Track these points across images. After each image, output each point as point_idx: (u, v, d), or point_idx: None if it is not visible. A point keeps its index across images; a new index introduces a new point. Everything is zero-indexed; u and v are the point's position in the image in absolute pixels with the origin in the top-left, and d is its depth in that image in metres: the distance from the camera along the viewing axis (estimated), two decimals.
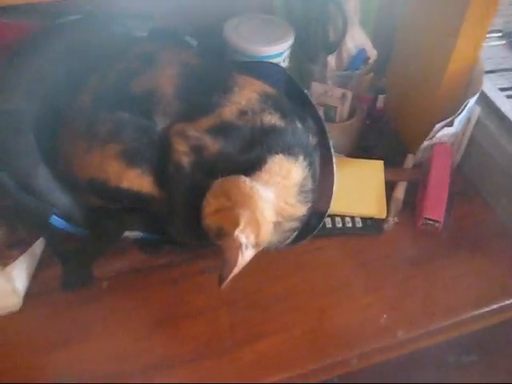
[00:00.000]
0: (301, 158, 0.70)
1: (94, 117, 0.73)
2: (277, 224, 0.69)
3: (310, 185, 0.72)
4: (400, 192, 0.94)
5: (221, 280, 0.65)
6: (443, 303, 0.82)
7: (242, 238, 0.64)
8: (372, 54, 0.93)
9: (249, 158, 0.69)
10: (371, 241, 0.89)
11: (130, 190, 0.72)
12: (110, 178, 0.71)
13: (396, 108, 1.03)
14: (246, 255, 0.65)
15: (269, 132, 0.70)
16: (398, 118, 1.03)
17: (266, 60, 0.87)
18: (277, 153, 0.69)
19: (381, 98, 1.04)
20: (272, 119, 0.71)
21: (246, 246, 0.65)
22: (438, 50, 0.88)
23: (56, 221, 0.71)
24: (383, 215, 0.90)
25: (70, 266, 0.74)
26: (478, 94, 0.87)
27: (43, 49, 0.78)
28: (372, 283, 0.84)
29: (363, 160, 0.96)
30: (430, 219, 0.88)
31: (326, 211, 0.81)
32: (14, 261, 0.76)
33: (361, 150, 1.02)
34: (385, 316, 0.80)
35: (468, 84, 0.91)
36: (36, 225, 0.73)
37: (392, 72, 1.04)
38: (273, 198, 0.68)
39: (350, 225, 0.89)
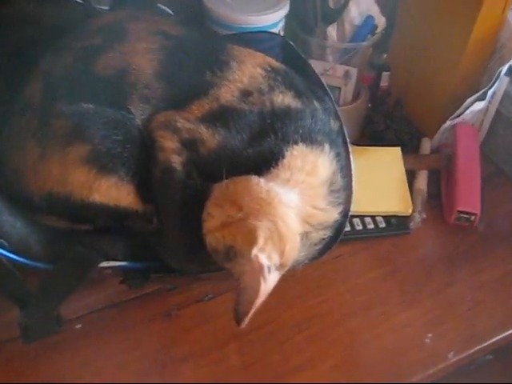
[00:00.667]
0: (326, 147, 0.55)
1: (47, 111, 0.55)
2: (304, 235, 0.52)
3: (340, 181, 0.56)
4: (422, 182, 0.80)
5: (239, 316, 0.49)
6: (493, 311, 0.68)
7: (263, 259, 0.48)
8: (380, 21, 0.78)
9: (260, 151, 0.53)
10: (397, 242, 0.75)
11: (103, 205, 0.54)
12: (74, 190, 0.54)
13: (403, 86, 0.89)
14: (270, 280, 0.49)
15: (283, 116, 0.54)
16: (408, 98, 0.89)
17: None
18: (296, 142, 0.53)
19: (385, 75, 0.90)
20: (285, 99, 0.55)
21: (269, 268, 0.49)
22: (459, 12, 0.74)
23: (6, 255, 0.53)
24: (409, 211, 0.75)
25: (31, 311, 0.55)
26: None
27: None
28: (407, 295, 0.69)
29: (376, 148, 0.81)
30: (464, 212, 0.74)
31: (349, 210, 0.66)
32: None
33: (367, 136, 0.88)
34: (429, 335, 0.65)
35: (494, 51, 0.77)
36: None
37: (396, 45, 0.89)
38: (297, 202, 0.52)
39: (371, 226, 0.74)
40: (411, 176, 0.80)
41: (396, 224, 0.75)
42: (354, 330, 0.66)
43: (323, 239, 0.55)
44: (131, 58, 0.56)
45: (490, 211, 0.78)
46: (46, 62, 0.59)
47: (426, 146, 0.85)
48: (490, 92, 0.74)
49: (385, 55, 0.92)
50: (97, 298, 0.66)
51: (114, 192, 0.54)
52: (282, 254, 0.50)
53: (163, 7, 0.66)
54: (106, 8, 0.68)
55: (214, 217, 0.51)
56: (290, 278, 0.67)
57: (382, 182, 0.77)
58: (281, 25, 0.74)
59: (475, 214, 0.74)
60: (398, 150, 0.80)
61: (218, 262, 0.52)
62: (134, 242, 0.57)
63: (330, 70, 0.79)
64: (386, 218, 0.75)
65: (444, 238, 0.76)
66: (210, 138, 0.53)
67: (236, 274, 0.51)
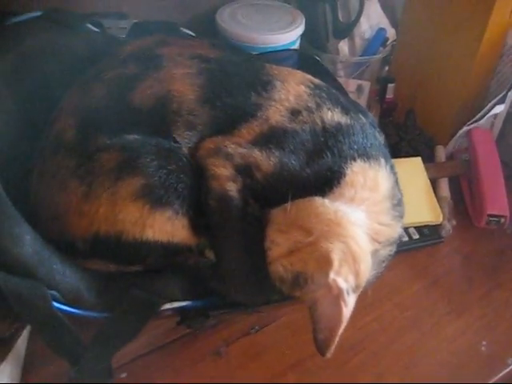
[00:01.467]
0: (382, 160, 0.53)
1: (86, 147, 0.51)
2: (373, 253, 0.51)
3: (398, 194, 0.55)
4: (446, 190, 0.80)
5: (322, 346, 0.46)
6: None
7: (341, 282, 0.46)
8: (390, 33, 0.78)
9: (319, 170, 0.51)
10: (432, 252, 0.74)
11: (156, 243, 0.51)
12: (125, 229, 0.50)
13: (410, 96, 0.89)
14: (350, 304, 0.47)
15: (335, 133, 0.52)
16: (416, 107, 0.89)
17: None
18: (354, 159, 0.51)
19: (390, 87, 0.89)
20: (334, 116, 0.54)
21: (347, 291, 0.46)
22: (468, 18, 0.75)
23: (60, 307, 0.48)
24: (439, 219, 0.75)
25: (85, 365, 0.51)
26: None
27: None
28: (453, 304, 0.68)
29: (397, 160, 0.78)
30: (493, 215, 0.74)
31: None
32: None
33: None
34: (484, 342, 0.64)
35: (502, 54, 0.79)
36: (29, 317, 0.49)
37: (400, 56, 0.89)
38: (364, 219, 0.50)
39: (405, 238, 0.73)
40: (432, 184, 0.80)
41: (429, 234, 0.74)
42: (409, 347, 0.63)
43: (390, 255, 0.53)
44: (170, 84, 0.53)
45: None
46: (74, 96, 0.55)
47: (441, 153, 0.85)
48: (509, 94, 0.75)
49: (386, 67, 0.92)
50: (139, 342, 0.62)
51: (169, 227, 0.50)
52: (357, 274, 0.48)
53: (186, 31, 0.64)
54: (123, 36, 0.65)
55: (279, 244, 0.49)
56: None
57: (409, 193, 0.75)
58: (297, 43, 0.72)
59: (505, 217, 0.74)
60: (419, 160, 0.80)
61: (283, 291, 0.50)
62: (189, 280, 0.53)
63: (343, 84, 0.78)
64: (418, 228, 0.74)
65: (476, 242, 0.76)
66: (265, 161, 0.51)
67: (308, 301, 0.48)
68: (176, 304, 0.52)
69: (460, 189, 0.82)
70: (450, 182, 0.82)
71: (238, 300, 0.53)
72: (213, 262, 0.54)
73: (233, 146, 0.52)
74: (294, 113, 0.53)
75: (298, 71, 0.58)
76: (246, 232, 0.51)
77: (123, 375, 0.59)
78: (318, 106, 0.54)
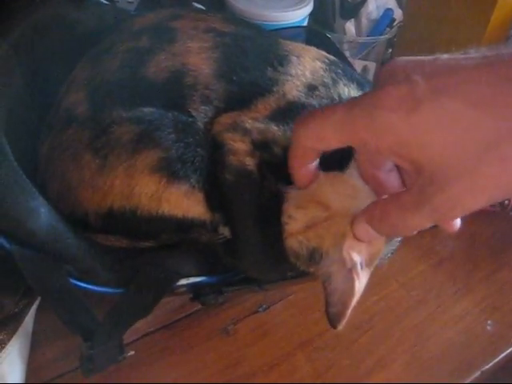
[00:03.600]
0: None
1: (101, 119, 0.50)
2: None
3: None
4: None
5: (335, 319, 0.46)
6: None
7: (355, 256, 0.46)
8: (397, 14, 0.78)
9: None
10: (437, 233, 0.74)
11: (171, 218, 0.50)
12: (141, 203, 0.49)
13: None
14: (363, 277, 0.47)
15: None
16: None
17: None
18: None
19: None
20: (351, 92, 0.53)
21: (361, 264, 0.46)
22: (476, 3, 0.75)
23: (76, 283, 0.48)
24: None
25: (98, 341, 0.50)
26: None
27: None
28: (459, 284, 0.69)
29: None
30: None
31: None
32: (3, 348, 0.51)
33: None
34: (489, 322, 0.65)
35: (508, 37, 0.79)
36: (45, 291, 0.48)
37: (404, 38, 0.89)
38: None
39: None
40: None
41: None
42: (416, 326, 0.64)
43: None
44: (185, 58, 0.52)
45: None
46: (85, 69, 0.54)
47: None
48: None
49: (390, 50, 0.92)
50: (146, 320, 0.61)
51: (185, 202, 0.49)
52: (371, 249, 0.48)
53: (198, 5, 0.63)
54: (132, 10, 0.64)
55: (296, 219, 0.48)
56: None
57: None
58: (306, 21, 0.72)
59: (509, 200, 0.75)
60: None
61: (298, 266, 0.50)
62: (203, 256, 0.53)
63: None
64: None
65: (481, 224, 0.76)
66: (283, 136, 0.50)
67: (323, 276, 0.48)
68: (191, 280, 0.51)
69: None
70: None
71: (253, 276, 0.53)
72: (227, 239, 0.53)
73: (250, 121, 0.50)
74: (311, 88, 0.52)
75: (313, 47, 0.57)
76: (262, 207, 0.50)
77: (131, 353, 0.59)
78: (335, 81, 0.53)
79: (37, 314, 0.57)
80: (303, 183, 0.46)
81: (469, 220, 0.75)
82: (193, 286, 0.52)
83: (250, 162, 0.50)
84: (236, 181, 0.50)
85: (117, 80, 0.52)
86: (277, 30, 0.67)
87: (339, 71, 0.54)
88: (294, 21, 0.69)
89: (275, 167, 0.50)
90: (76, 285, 0.48)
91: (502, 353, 0.63)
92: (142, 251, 0.52)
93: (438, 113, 0.33)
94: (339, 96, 0.52)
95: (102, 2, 0.61)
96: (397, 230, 0.40)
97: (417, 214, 0.36)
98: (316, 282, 0.64)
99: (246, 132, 0.50)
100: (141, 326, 0.61)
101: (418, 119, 0.33)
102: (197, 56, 0.52)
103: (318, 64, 0.54)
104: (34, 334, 0.57)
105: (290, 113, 0.51)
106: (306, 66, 0.54)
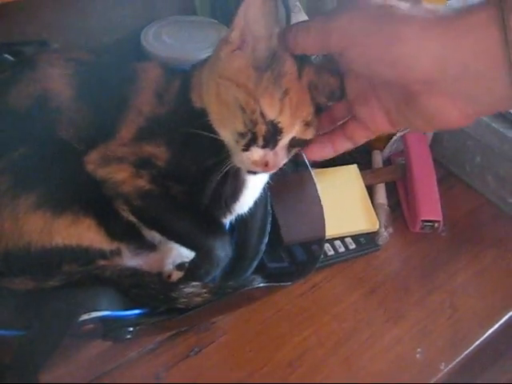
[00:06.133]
0: None
1: None
2: None
3: None
4: (382, 196, 0.81)
5: None
6: (475, 315, 0.70)
7: None
8: None
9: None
10: (369, 260, 0.75)
11: (66, 247, 0.53)
12: (33, 239, 0.52)
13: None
14: None
15: None
16: None
17: None
18: None
19: None
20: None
21: None
22: None
23: None
24: (376, 227, 0.76)
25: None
26: None
27: None
28: (390, 312, 0.70)
29: (333, 168, 0.81)
30: (427, 221, 0.76)
31: (324, 235, 0.66)
32: None
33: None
34: (419, 349, 0.66)
35: None
36: None
37: None
38: None
39: (342, 249, 0.74)
40: (369, 190, 0.81)
41: (365, 242, 0.75)
42: (347, 359, 0.65)
43: None
44: (46, 84, 0.54)
45: (449, 214, 0.80)
46: None
47: (378, 158, 0.86)
48: None
49: None
50: (75, 373, 0.61)
51: (74, 229, 0.52)
52: None
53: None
54: None
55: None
56: (274, 316, 0.67)
57: (345, 201, 0.77)
58: None
59: (438, 221, 0.76)
60: (355, 168, 0.81)
61: None
62: (108, 290, 0.55)
63: None
64: (355, 237, 0.75)
65: (412, 247, 0.77)
66: (158, 150, 0.53)
67: None
68: (93, 314, 0.52)
69: (397, 194, 0.84)
70: (387, 187, 0.84)
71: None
72: (132, 272, 0.56)
73: (119, 148, 0.53)
74: (159, 95, 0.55)
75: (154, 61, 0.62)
76: (182, 208, 0.56)
77: None
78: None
79: None
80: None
81: (401, 244, 0.78)
82: (99, 321, 0.53)
83: (143, 182, 0.53)
84: (145, 203, 0.54)
85: None
86: None
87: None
88: None
89: (169, 176, 0.54)
90: None
91: (430, 381, 0.64)
92: (47, 290, 0.54)
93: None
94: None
95: (9, 59, 0.61)
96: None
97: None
98: (246, 322, 0.65)
99: (120, 159, 0.53)
100: (70, 378, 0.61)
101: None
102: (58, 81, 0.54)
103: (159, 71, 0.57)
104: None
105: (151, 128, 0.54)
106: (150, 76, 0.56)
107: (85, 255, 0.54)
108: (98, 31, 0.70)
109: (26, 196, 0.51)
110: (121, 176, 0.53)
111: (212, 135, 0.51)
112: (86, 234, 0.53)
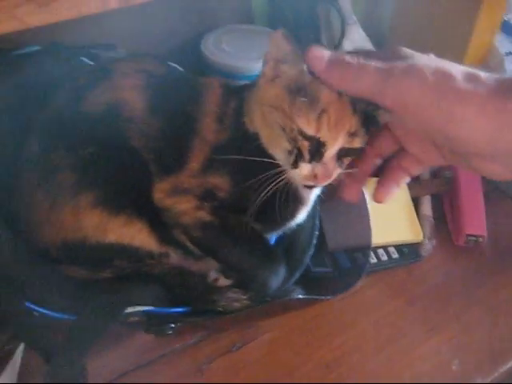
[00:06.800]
0: None
1: (45, 163, 0.56)
2: None
3: None
4: (428, 208, 0.82)
5: None
6: None
7: None
8: None
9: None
10: (411, 270, 0.77)
11: (118, 245, 0.56)
12: (88, 234, 0.55)
13: None
14: None
15: None
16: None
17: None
18: None
19: None
20: None
21: None
22: (451, 41, 0.77)
23: (33, 307, 0.54)
24: (420, 238, 0.77)
25: (57, 362, 0.54)
26: None
27: None
28: (429, 323, 0.71)
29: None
30: (472, 235, 0.76)
31: (370, 244, 0.69)
32: None
33: None
34: (456, 361, 0.67)
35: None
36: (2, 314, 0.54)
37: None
38: None
39: (384, 258, 0.76)
40: (415, 202, 0.82)
41: (408, 253, 0.76)
42: (383, 365, 0.66)
43: None
44: (119, 93, 0.57)
45: (495, 229, 0.80)
46: (43, 112, 0.59)
47: (425, 170, 0.87)
48: None
49: None
50: (122, 360, 0.65)
51: (126, 230, 0.56)
52: None
53: (174, 65, 0.66)
54: None
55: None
56: (315, 318, 0.70)
57: (390, 211, 0.78)
58: None
59: (483, 236, 0.76)
60: None
61: None
62: (155, 287, 0.59)
63: None
64: (398, 247, 0.77)
65: (455, 261, 0.78)
66: (221, 181, 0.56)
67: None
68: (137, 308, 0.57)
69: (442, 206, 0.84)
70: (433, 199, 0.84)
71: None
72: (178, 271, 0.59)
73: (187, 180, 0.56)
74: (220, 119, 0.57)
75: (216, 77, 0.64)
76: (239, 239, 0.58)
77: None
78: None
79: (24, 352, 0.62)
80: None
81: (444, 257, 0.78)
82: (143, 315, 0.57)
83: (203, 214, 0.56)
84: (204, 234, 0.57)
85: (58, 119, 0.57)
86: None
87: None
88: None
89: (229, 206, 0.56)
90: (34, 309, 0.53)
91: None
92: (99, 281, 0.58)
93: None
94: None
95: (87, 63, 0.66)
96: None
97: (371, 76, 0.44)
98: (288, 322, 0.67)
99: (186, 191, 0.56)
100: (117, 366, 0.65)
101: None
102: (130, 92, 0.57)
103: (219, 91, 0.59)
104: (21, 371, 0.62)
105: (216, 159, 0.56)
106: (212, 98, 0.58)
107: (135, 254, 0.57)
108: (159, 37, 0.74)
109: (86, 194, 0.55)
110: (184, 207, 0.56)
111: (268, 160, 0.53)
112: (137, 235, 0.57)
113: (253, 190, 0.53)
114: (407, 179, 0.55)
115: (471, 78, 0.42)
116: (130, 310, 0.57)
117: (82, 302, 0.56)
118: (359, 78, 0.44)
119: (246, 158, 0.52)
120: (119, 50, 0.70)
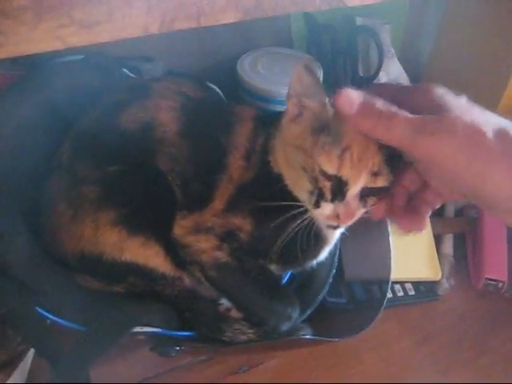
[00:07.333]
0: None
1: (73, 173, 0.57)
2: None
3: None
4: (449, 247, 0.81)
5: None
6: None
7: None
8: None
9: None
10: (427, 309, 0.76)
11: (133, 264, 0.57)
12: (106, 250, 0.56)
13: None
14: None
15: None
16: None
17: None
18: None
19: None
20: None
21: None
22: (489, 80, 0.76)
23: (44, 313, 0.55)
24: (438, 277, 0.76)
25: (62, 370, 0.55)
26: None
27: (29, 92, 0.62)
28: (440, 364, 0.70)
29: None
30: (492, 279, 0.75)
31: (389, 279, 0.69)
32: None
33: None
34: None
35: None
36: (13, 318, 0.55)
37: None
38: None
39: (401, 293, 0.75)
40: (437, 240, 0.81)
41: (425, 291, 0.76)
42: None
43: None
44: (155, 112, 0.58)
45: None
46: (78, 122, 0.61)
47: (451, 208, 0.86)
48: None
49: None
50: (128, 371, 0.66)
51: (143, 251, 0.56)
52: None
53: (213, 86, 0.67)
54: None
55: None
56: (323, 348, 0.69)
57: (410, 247, 0.78)
58: None
59: (503, 282, 0.75)
60: None
61: None
62: (165, 308, 0.59)
63: None
64: (415, 284, 0.76)
65: (472, 303, 0.77)
66: (243, 222, 0.56)
67: None
68: (145, 329, 0.57)
69: (465, 246, 0.83)
70: (457, 238, 0.83)
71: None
72: (190, 294, 0.60)
73: (210, 219, 0.56)
74: (247, 156, 0.57)
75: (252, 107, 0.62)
76: (254, 282, 0.58)
77: None
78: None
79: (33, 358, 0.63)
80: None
81: (462, 298, 0.77)
82: (150, 336, 0.58)
83: (222, 255, 0.56)
84: (219, 274, 0.57)
85: (91, 130, 0.58)
86: None
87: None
88: None
89: (248, 248, 0.56)
90: (45, 316, 0.54)
91: None
92: (111, 295, 0.59)
93: None
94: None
95: (128, 74, 0.67)
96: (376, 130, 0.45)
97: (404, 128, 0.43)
98: (296, 350, 0.67)
99: (208, 230, 0.56)
100: (125, 377, 0.65)
101: None
102: (166, 113, 0.58)
103: (251, 124, 0.59)
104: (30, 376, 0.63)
105: (240, 197, 0.56)
106: (243, 131, 0.58)
107: (149, 274, 0.58)
108: (197, 55, 0.75)
109: (108, 211, 0.56)
110: (204, 246, 0.56)
111: (292, 202, 0.52)
112: (153, 258, 0.57)
113: (275, 232, 0.53)
114: (429, 212, 0.54)
115: (502, 136, 0.41)
116: (137, 329, 0.58)
117: (93, 313, 0.57)
118: (390, 129, 0.44)
119: (269, 200, 0.52)
120: (157, 62, 0.71)
